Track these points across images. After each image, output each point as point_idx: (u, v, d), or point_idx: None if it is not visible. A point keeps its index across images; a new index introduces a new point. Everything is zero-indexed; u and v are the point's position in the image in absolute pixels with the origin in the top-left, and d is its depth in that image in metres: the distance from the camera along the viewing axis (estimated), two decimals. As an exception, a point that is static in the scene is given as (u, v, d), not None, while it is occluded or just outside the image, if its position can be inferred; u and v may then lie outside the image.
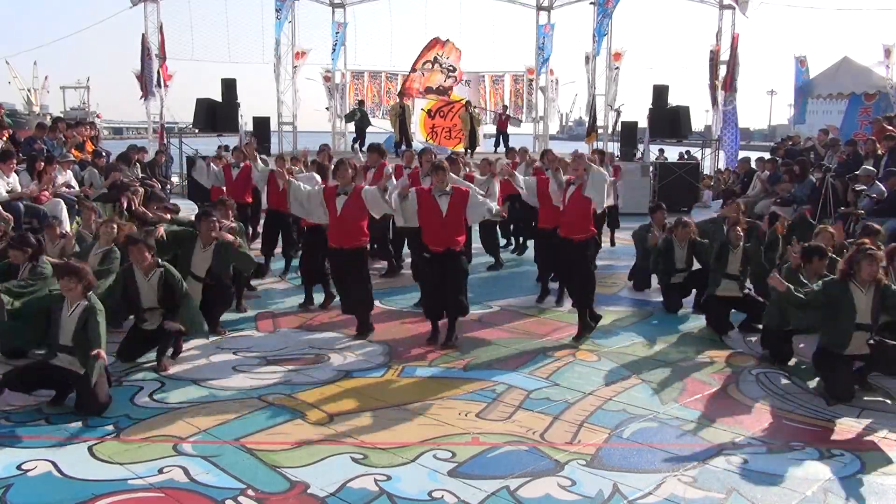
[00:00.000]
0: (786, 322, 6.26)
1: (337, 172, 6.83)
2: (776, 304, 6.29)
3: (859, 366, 5.65)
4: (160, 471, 4.25)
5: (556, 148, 7.99)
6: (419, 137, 19.75)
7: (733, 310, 7.23)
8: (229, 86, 17.83)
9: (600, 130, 19.89)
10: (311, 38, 22.11)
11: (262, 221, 9.90)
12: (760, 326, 6.79)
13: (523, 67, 22.62)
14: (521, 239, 11.10)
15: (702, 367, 6.24)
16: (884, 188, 9.55)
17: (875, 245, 6.34)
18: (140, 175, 12.84)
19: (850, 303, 5.49)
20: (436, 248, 6.64)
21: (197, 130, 18.28)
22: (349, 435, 4.77)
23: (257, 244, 9.94)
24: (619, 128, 18.33)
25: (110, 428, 4.84)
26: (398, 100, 19.11)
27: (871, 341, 5.52)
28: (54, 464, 4.32)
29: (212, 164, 10.11)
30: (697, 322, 7.53)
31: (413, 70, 19.63)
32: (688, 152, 20.36)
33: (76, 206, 9.54)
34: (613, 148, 18.15)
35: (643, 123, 17.98)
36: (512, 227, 11.08)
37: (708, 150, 19.51)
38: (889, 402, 5.53)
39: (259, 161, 9.68)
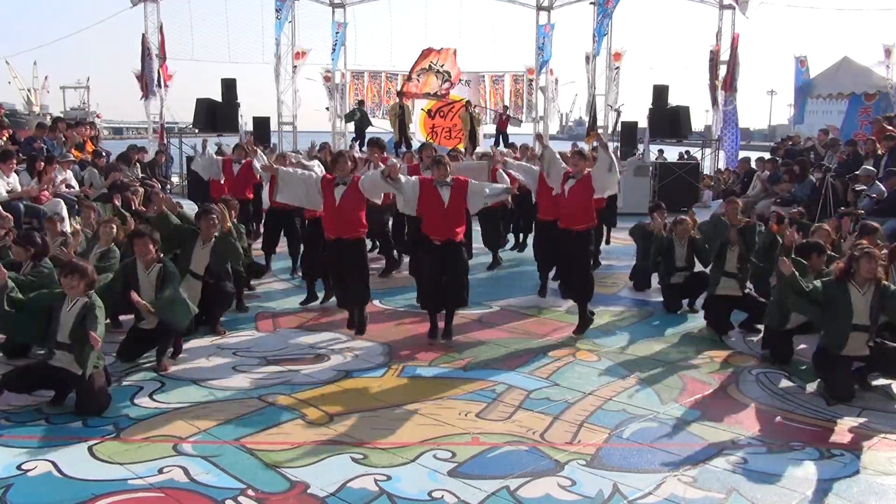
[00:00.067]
0: (786, 321, 6.27)
1: (336, 164, 6.76)
2: (777, 303, 6.31)
3: (859, 366, 5.66)
4: (160, 471, 4.25)
5: (556, 148, 7.95)
6: (419, 137, 19.75)
7: (734, 310, 7.23)
8: (229, 86, 17.83)
9: (600, 130, 19.87)
10: (311, 38, 22.10)
11: (263, 220, 9.95)
12: (761, 327, 6.79)
13: (523, 67, 22.61)
14: (520, 236, 11.13)
15: (702, 367, 6.24)
16: (884, 188, 9.56)
17: (874, 244, 6.36)
18: (140, 175, 12.86)
19: (848, 303, 5.50)
20: (436, 238, 6.65)
21: (197, 130, 18.28)
22: (349, 435, 4.76)
23: (257, 244, 9.96)
24: (619, 128, 18.35)
25: (110, 428, 4.84)
26: (398, 100, 19.11)
27: (871, 343, 5.54)
28: (54, 464, 4.32)
29: (214, 155, 10.38)
30: (697, 322, 7.53)
31: (408, 79, 19.67)
32: (687, 152, 20.36)
33: (76, 206, 9.55)
34: (614, 148, 18.13)
35: (643, 123, 18.00)
36: (512, 225, 11.09)
37: (708, 150, 19.51)
38: (889, 401, 5.54)
39: (261, 155, 9.74)
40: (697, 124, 23.47)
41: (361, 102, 20.36)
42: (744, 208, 7.80)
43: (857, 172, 10.47)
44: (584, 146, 12.58)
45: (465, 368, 6.11)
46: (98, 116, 46.95)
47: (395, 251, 9.70)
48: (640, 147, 17.58)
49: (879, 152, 11.01)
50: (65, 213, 9.53)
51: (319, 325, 7.36)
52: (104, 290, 5.62)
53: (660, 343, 6.89)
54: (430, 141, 19.62)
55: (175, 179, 17.40)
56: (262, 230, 10.04)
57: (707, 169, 19.35)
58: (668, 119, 17.26)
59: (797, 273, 5.71)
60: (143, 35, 18.23)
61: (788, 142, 16.52)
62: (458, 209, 6.74)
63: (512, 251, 11.12)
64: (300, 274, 8.76)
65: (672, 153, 21.33)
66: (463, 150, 17.96)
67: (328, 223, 6.72)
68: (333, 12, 21.33)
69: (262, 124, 18.33)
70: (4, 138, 11.26)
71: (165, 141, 17.76)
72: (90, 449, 4.53)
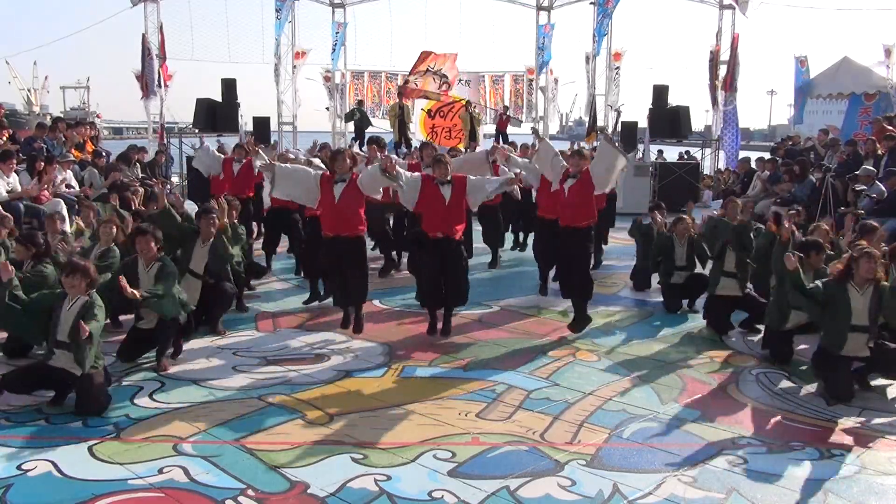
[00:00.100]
0: (785, 321, 6.27)
1: (335, 161, 6.74)
2: (777, 303, 6.31)
3: (859, 366, 5.66)
4: (160, 471, 4.25)
5: (556, 148, 7.98)
6: (419, 137, 19.73)
7: (734, 310, 7.23)
8: (229, 86, 17.81)
9: (601, 134, 19.87)
10: (311, 38, 22.10)
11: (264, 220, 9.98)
12: (762, 327, 6.79)
13: (523, 67, 22.60)
14: (521, 235, 11.13)
15: (702, 367, 6.24)
16: (884, 188, 9.56)
17: (876, 244, 6.36)
18: (140, 175, 12.85)
19: (846, 304, 5.51)
20: (435, 235, 6.66)
21: (197, 130, 18.24)
22: (349, 435, 4.76)
23: (258, 244, 9.97)
24: (619, 128, 18.33)
25: (110, 428, 4.84)
26: (398, 100, 19.11)
27: (871, 344, 5.54)
28: (54, 464, 4.32)
29: (215, 151, 10.42)
30: (697, 322, 7.53)
31: (406, 83, 19.68)
32: (687, 152, 20.35)
33: (76, 206, 9.56)
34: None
35: (643, 123, 17.98)
36: (511, 225, 11.09)
37: (708, 150, 19.51)
38: (889, 402, 5.54)
39: (261, 155, 9.77)
40: (697, 124, 23.46)
41: (361, 102, 20.35)
42: (744, 208, 7.78)
43: (857, 172, 10.47)
44: (584, 146, 12.60)
45: (465, 368, 6.11)
46: (98, 116, 46.94)
47: (392, 251, 9.70)
48: (640, 147, 17.57)
49: (879, 152, 11.01)
50: (65, 212, 9.53)
51: (319, 325, 7.36)
52: (104, 290, 5.61)
53: (660, 343, 6.89)
54: (430, 141, 19.64)
55: (175, 179, 17.37)
56: (263, 230, 10.07)
57: (707, 169, 19.34)
58: (668, 119, 17.24)
59: (800, 268, 5.71)
60: (143, 35, 18.21)
61: (788, 142, 16.52)
62: (459, 207, 6.77)
63: (513, 251, 11.12)
64: (301, 273, 8.77)
65: (672, 153, 21.33)
66: (463, 149, 17.96)
67: (327, 221, 6.69)
68: (333, 12, 21.32)
69: (262, 124, 18.30)
70: (4, 138, 11.25)
71: (165, 141, 17.74)
72: (90, 449, 4.53)
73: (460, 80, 20.94)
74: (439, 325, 6.93)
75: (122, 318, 7.00)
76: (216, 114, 17.43)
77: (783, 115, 63.71)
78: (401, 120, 18.18)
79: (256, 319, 7.54)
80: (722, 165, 18.79)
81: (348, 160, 6.71)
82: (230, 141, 14.69)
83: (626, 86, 20.53)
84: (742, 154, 18.00)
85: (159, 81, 18.26)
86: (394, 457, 4.46)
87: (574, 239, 6.93)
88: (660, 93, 17.51)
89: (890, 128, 11.32)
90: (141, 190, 10.79)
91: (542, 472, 4.28)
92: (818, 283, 5.70)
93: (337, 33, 20.97)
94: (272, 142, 17.38)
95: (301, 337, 6.96)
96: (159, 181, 12.74)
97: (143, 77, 18.24)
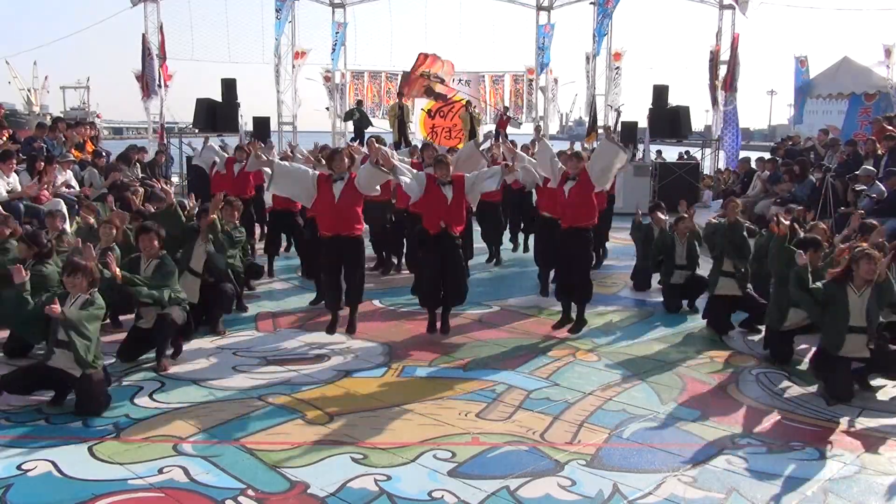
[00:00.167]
0: (784, 320, 6.27)
1: (332, 161, 6.71)
2: (776, 303, 6.31)
3: (859, 366, 5.66)
4: (160, 471, 4.25)
5: (556, 148, 7.99)
6: (419, 137, 19.74)
7: (735, 310, 7.23)
8: (229, 86, 17.81)
9: (600, 130, 19.85)
10: (311, 38, 22.03)
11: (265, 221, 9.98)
12: (762, 327, 6.79)
13: (523, 67, 22.59)
14: (520, 236, 11.13)
15: (702, 367, 6.24)
16: (884, 188, 9.55)
17: (876, 236, 6.37)
18: (140, 175, 12.85)
19: (844, 305, 5.51)
20: (435, 231, 6.69)
21: (197, 130, 18.23)
22: (349, 435, 4.77)
23: (258, 244, 9.96)
24: (619, 128, 18.33)
25: (110, 428, 4.85)
26: (398, 100, 19.11)
27: (872, 346, 5.54)
28: (54, 464, 4.32)
29: (218, 149, 10.44)
30: (697, 322, 7.53)
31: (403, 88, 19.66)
32: (687, 152, 20.35)
33: (76, 206, 9.56)
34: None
35: (643, 123, 17.97)
36: (510, 225, 11.09)
37: (708, 150, 19.50)
38: (890, 402, 5.54)
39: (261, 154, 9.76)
40: (697, 124, 23.48)
41: (360, 102, 20.35)
42: (743, 209, 7.79)
43: (857, 172, 10.46)
44: (585, 146, 12.59)
45: (465, 368, 6.11)
46: (98, 116, 46.91)
47: (384, 252, 9.69)
48: (640, 147, 17.57)
49: (879, 152, 11.00)
50: (65, 212, 9.52)
51: (319, 324, 7.33)
52: (105, 289, 5.61)
53: (660, 343, 6.89)
54: (430, 141, 19.64)
55: (175, 179, 17.37)
56: (264, 230, 10.07)
57: (707, 169, 19.34)
58: (668, 119, 17.24)
59: (808, 266, 5.71)
60: (143, 35, 18.21)
61: (788, 142, 16.50)
62: (460, 207, 6.84)
63: (513, 252, 11.11)
64: (294, 275, 8.76)
65: (672, 153, 21.32)
66: (463, 149, 17.96)
67: (324, 220, 6.67)
68: (333, 12, 21.32)
69: (262, 124, 18.29)
70: (4, 138, 11.25)
71: (165, 141, 17.73)
72: (90, 449, 4.53)
73: (460, 81, 20.95)
74: (438, 324, 6.94)
75: (122, 317, 7.00)
76: (216, 114, 17.43)
77: (783, 115, 63.72)
78: (400, 120, 18.18)
79: (256, 319, 7.54)
80: (722, 165, 18.79)
81: (346, 159, 6.71)
82: (231, 141, 14.71)
83: (626, 86, 20.43)
84: (742, 154, 17.97)
85: (159, 81, 18.25)
86: (394, 457, 4.46)
87: (575, 240, 6.94)
88: (660, 93, 17.51)
89: (890, 128, 11.31)
90: (141, 190, 10.80)
91: (542, 472, 4.28)
92: (819, 284, 5.70)
93: (337, 33, 20.96)
94: (268, 140, 17.38)
95: (301, 337, 6.96)
96: (157, 183, 12.74)
97: (143, 77, 18.23)
